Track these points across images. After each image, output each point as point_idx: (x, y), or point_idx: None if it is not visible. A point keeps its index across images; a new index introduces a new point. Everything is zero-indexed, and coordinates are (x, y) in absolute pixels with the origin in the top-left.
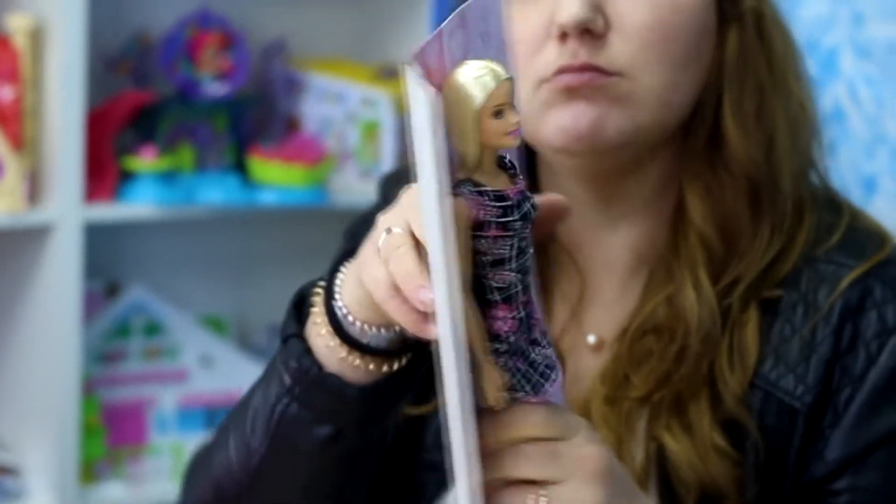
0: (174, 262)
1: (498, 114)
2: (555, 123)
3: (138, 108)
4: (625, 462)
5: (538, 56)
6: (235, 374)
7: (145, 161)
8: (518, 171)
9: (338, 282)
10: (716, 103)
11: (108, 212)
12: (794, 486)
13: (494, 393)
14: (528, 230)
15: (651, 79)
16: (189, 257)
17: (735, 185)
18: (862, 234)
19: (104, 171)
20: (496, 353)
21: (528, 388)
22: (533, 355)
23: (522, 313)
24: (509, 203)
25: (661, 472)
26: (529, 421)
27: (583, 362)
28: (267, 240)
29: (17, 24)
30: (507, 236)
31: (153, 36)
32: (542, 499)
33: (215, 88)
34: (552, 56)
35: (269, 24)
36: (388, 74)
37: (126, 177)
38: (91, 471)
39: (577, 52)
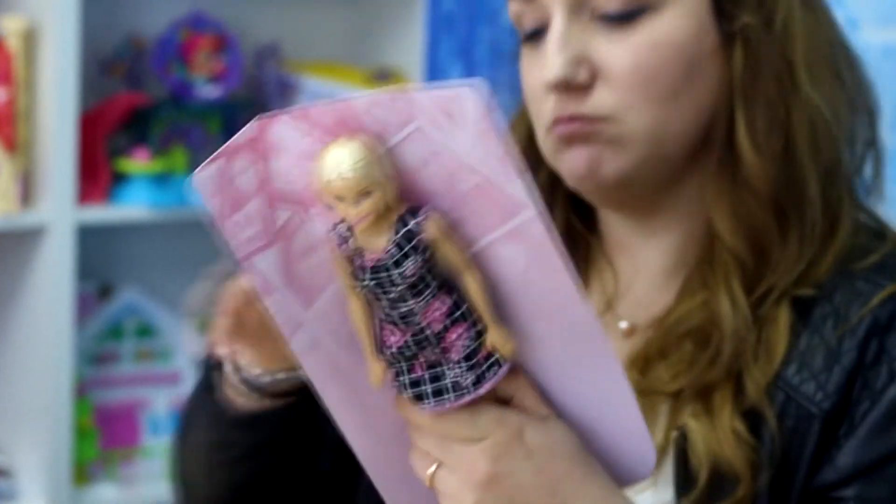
0: (167, 264)
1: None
2: (562, 166)
3: (131, 111)
4: None
5: (542, 105)
6: None
7: (138, 163)
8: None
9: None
10: (728, 121)
11: (101, 214)
12: (803, 490)
13: (372, 379)
14: (393, 290)
15: (638, 119)
16: (182, 260)
17: (758, 200)
18: None
19: (97, 173)
20: (382, 353)
21: (429, 397)
22: (444, 369)
23: (414, 338)
24: (358, 263)
25: (680, 454)
26: (418, 418)
27: (616, 348)
28: None
29: (11, 26)
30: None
31: (146, 38)
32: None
33: (208, 91)
34: (549, 106)
35: (263, 28)
36: (382, 78)
37: (119, 179)
38: (84, 472)
39: (565, 105)
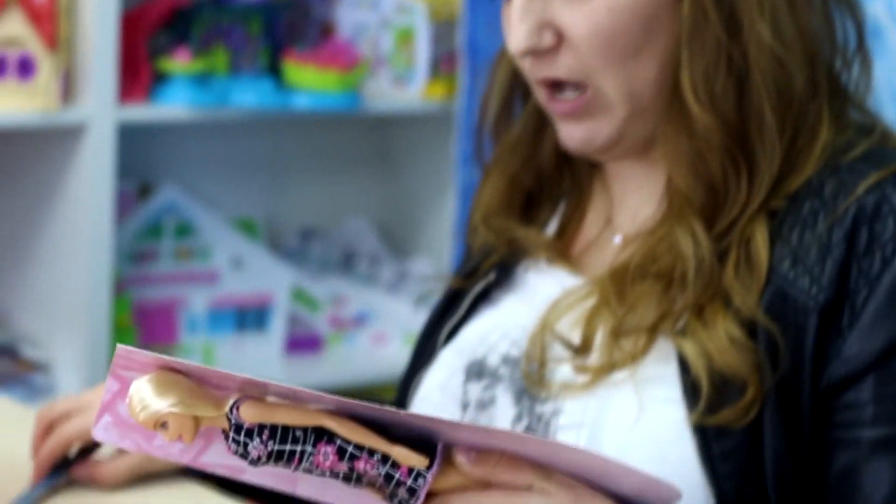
0: (207, 163)
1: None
2: (558, 134)
3: (173, 10)
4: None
5: (522, 64)
6: (266, 277)
7: (179, 63)
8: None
9: None
10: (675, 71)
11: (142, 112)
12: (813, 394)
13: None
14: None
15: (608, 82)
16: (222, 159)
17: (707, 146)
18: (890, 147)
19: (138, 72)
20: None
21: None
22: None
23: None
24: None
25: (684, 370)
26: None
27: (609, 258)
28: (299, 143)
29: None
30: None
31: None
32: None
33: None
34: (527, 66)
35: None
36: None
37: (160, 78)
38: None
39: (539, 68)
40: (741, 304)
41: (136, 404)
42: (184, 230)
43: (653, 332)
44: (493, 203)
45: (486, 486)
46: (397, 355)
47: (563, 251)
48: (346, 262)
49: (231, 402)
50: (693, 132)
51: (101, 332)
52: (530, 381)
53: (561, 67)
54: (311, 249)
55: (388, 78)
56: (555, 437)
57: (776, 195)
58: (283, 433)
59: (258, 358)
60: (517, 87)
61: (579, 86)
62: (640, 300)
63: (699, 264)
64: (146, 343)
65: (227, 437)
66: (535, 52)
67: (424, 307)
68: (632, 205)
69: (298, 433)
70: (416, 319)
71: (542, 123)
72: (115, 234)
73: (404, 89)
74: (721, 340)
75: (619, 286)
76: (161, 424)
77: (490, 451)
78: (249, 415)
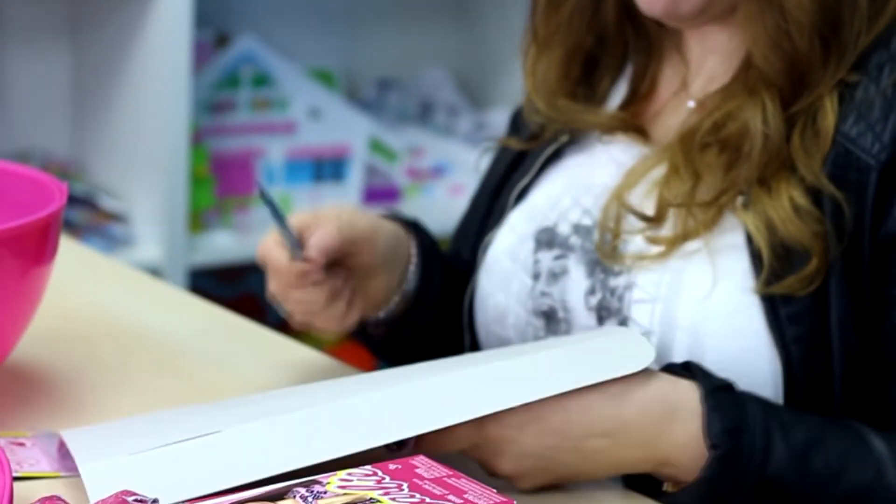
0: (284, 12)
1: None
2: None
3: None
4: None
5: None
6: (343, 127)
7: None
8: None
9: None
10: None
11: None
12: (872, 246)
13: None
14: None
15: None
16: (299, 9)
17: (797, 27)
18: None
19: None
20: None
21: None
22: None
23: None
24: None
25: (749, 240)
26: None
27: (691, 113)
28: None
29: None
30: None
31: None
32: None
33: None
34: None
35: None
36: None
37: None
38: (199, 220)
39: None
40: (806, 171)
41: None
42: (261, 80)
43: (716, 205)
44: (550, 78)
45: None
46: None
47: (633, 119)
48: (424, 113)
49: None
50: (783, 7)
51: (179, 183)
52: (603, 253)
53: None
54: (389, 100)
55: None
56: (629, 311)
57: (853, 70)
58: None
59: None
60: None
61: None
62: (707, 171)
63: (765, 141)
64: (223, 195)
65: None
66: None
67: None
68: (708, 70)
69: None
70: None
71: None
72: (192, 85)
73: None
74: (785, 209)
75: (687, 153)
76: None
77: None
78: None
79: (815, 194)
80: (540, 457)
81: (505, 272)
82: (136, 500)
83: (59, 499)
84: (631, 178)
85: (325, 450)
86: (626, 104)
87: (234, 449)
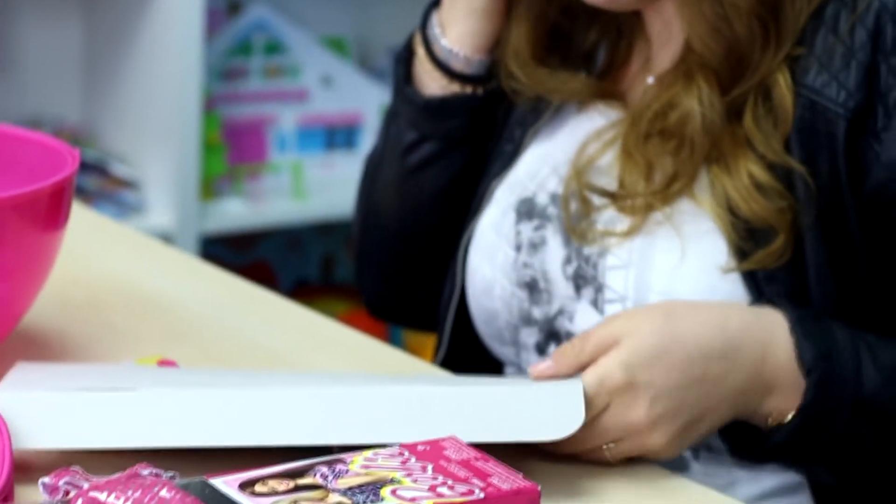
0: None
1: None
2: None
3: None
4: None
5: None
6: (355, 95)
7: None
8: None
9: (436, 24)
10: None
11: None
12: (857, 203)
13: None
14: None
15: None
16: None
17: (736, 10)
18: None
19: None
20: None
21: None
22: None
23: None
24: None
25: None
26: None
27: (642, 95)
28: None
29: None
30: None
31: None
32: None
33: None
34: None
35: None
36: None
37: None
38: (211, 187)
39: None
40: (765, 149)
41: None
42: (273, 48)
43: (669, 192)
44: (520, 46)
45: None
46: None
47: (613, 86)
48: None
49: None
50: None
51: (191, 150)
52: (574, 232)
53: None
54: None
55: None
56: (604, 278)
57: (798, 44)
58: None
59: (347, 176)
60: None
61: None
62: (656, 159)
63: (704, 123)
64: (235, 162)
65: None
66: None
67: None
68: (669, 45)
69: None
70: None
71: None
72: (204, 52)
73: None
74: (746, 187)
75: (636, 139)
76: None
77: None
78: None
79: (781, 169)
80: (670, 396)
81: (491, 245)
82: (151, 473)
83: (76, 471)
84: (586, 153)
85: (221, 436)
86: (603, 73)
87: (137, 410)
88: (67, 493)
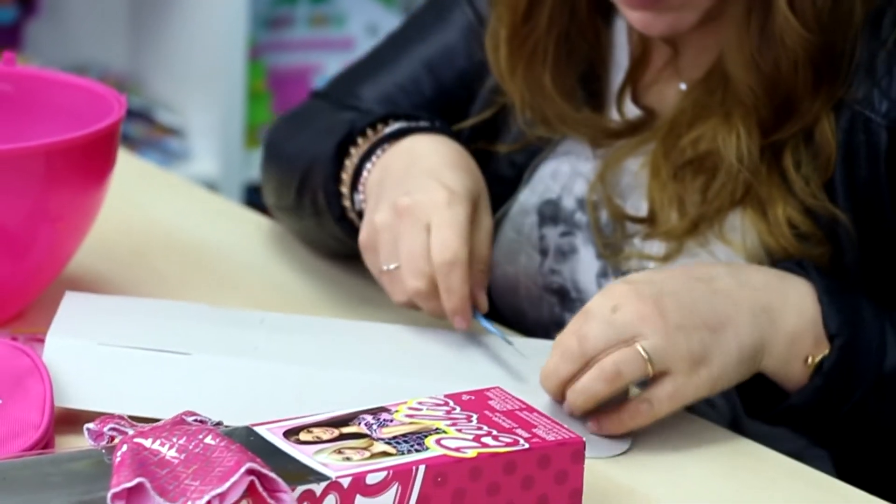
0: None
1: None
2: (630, 18)
3: None
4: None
5: None
6: None
7: None
8: None
9: (368, 167)
10: None
11: None
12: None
13: None
14: None
15: None
16: None
17: (788, 58)
18: None
19: None
20: None
21: None
22: None
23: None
24: None
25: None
26: None
27: (671, 102)
28: None
29: None
30: None
31: None
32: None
33: None
34: None
35: None
36: None
37: None
38: (255, 135)
39: None
40: (805, 196)
41: None
42: None
43: (698, 231)
44: (545, 83)
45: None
46: None
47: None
48: None
49: None
50: (776, 38)
51: (236, 98)
52: (604, 246)
53: None
54: None
55: None
56: None
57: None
58: None
59: None
60: None
61: None
62: (685, 193)
63: (738, 176)
64: (280, 111)
65: None
66: None
67: None
68: (694, 49)
69: None
70: None
71: None
72: (249, 0)
73: None
74: (783, 235)
75: (667, 165)
76: None
77: None
78: None
79: (820, 214)
80: (677, 294)
81: (510, 243)
82: (196, 420)
83: (121, 417)
84: (612, 170)
85: (271, 413)
86: (624, 85)
87: (191, 377)
88: (112, 438)
